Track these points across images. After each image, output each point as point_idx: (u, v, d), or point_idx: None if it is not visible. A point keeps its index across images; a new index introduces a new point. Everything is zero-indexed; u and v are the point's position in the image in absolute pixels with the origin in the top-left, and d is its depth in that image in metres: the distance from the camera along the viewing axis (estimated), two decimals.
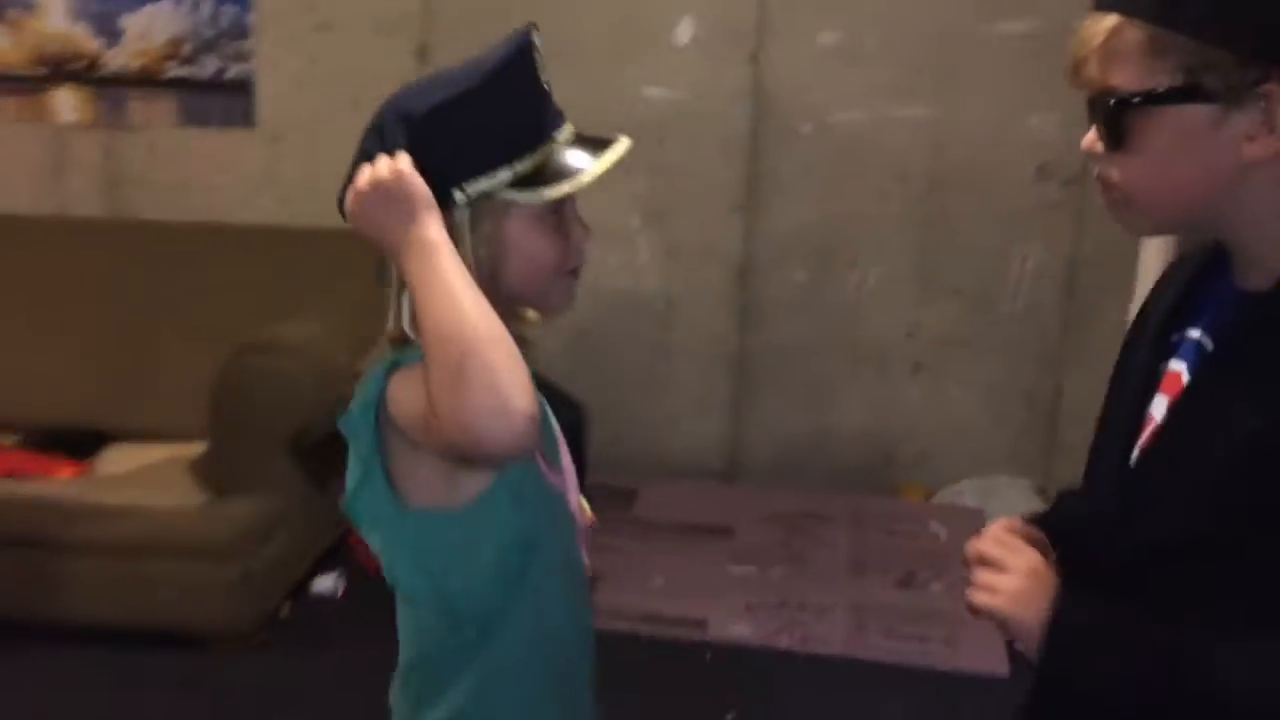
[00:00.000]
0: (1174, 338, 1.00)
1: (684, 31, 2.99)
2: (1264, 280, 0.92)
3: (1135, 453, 0.98)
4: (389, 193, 0.98)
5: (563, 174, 1.06)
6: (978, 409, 3.14)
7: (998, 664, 2.37)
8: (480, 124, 1.03)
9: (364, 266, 1.10)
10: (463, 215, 1.03)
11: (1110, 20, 0.90)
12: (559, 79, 1.11)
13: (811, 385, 3.17)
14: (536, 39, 1.08)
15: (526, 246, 1.06)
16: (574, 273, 1.12)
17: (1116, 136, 0.92)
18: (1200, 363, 0.96)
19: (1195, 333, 0.98)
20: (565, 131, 1.09)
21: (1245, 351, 0.92)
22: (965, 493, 3.11)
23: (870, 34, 2.95)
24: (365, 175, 1.00)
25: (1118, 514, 0.97)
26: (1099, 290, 2.99)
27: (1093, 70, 0.92)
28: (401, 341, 1.03)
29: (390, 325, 1.04)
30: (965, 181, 3.01)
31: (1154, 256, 2.83)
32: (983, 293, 3.07)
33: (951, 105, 2.97)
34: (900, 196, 3.01)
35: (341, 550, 2.74)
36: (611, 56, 3.00)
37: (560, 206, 1.08)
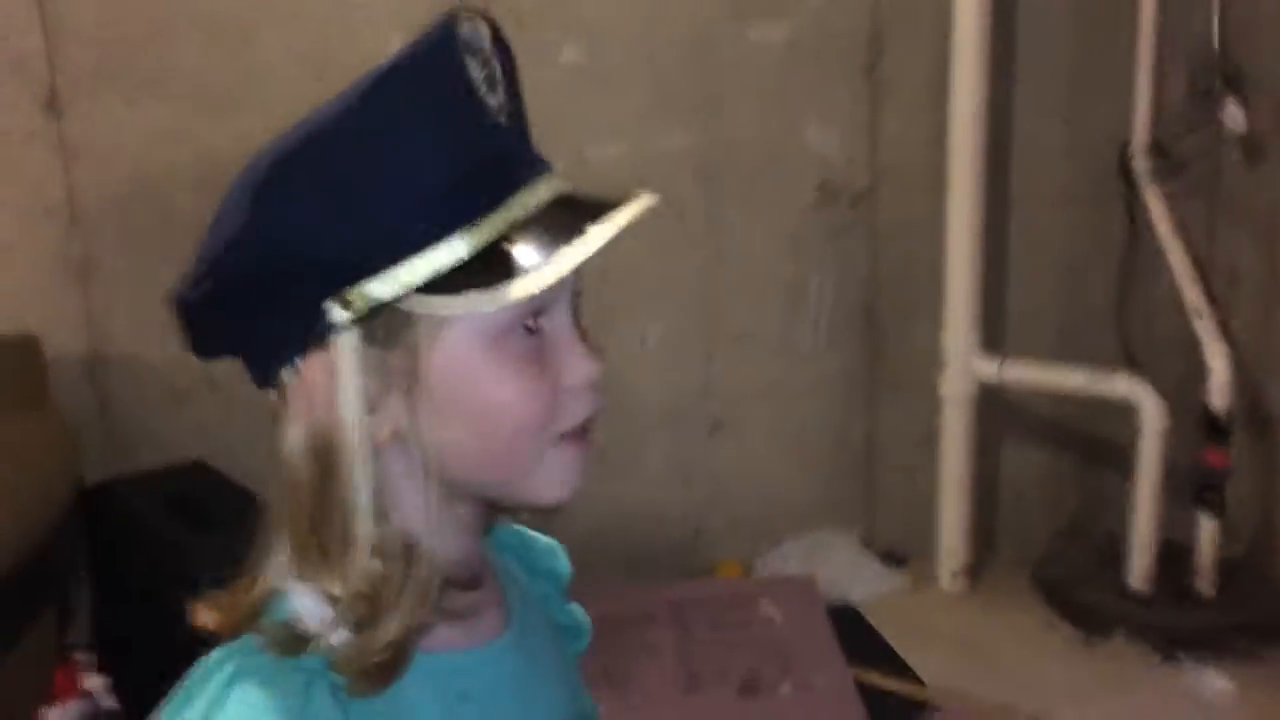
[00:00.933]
0: None
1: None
2: None
3: None
4: None
5: (528, 261, 0.63)
6: (787, 462, 2.79)
7: None
8: (372, 177, 0.63)
9: None
10: (347, 344, 0.63)
11: None
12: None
13: (599, 461, 2.71)
14: (470, 30, 0.65)
15: (473, 393, 0.65)
16: (577, 436, 0.69)
17: None
18: None
19: None
20: (540, 189, 0.66)
21: None
22: (789, 558, 2.74)
23: (616, 49, 2.53)
24: None
25: None
26: (903, 315, 2.70)
27: None
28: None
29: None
30: (743, 211, 2.64)
31: (961, 272, 2.55)
32: (778, 332, 2.71)
33: (716, 127, 2.59)
34: (676, 236, 2.60)
35: None
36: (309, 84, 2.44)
37: (538, 316, 0.66)
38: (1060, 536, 2.76)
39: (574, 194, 0.68)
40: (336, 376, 0.63)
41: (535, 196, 0.65)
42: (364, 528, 0.64)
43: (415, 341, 0.64)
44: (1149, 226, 2.55)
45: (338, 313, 0.63)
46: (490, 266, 0.63)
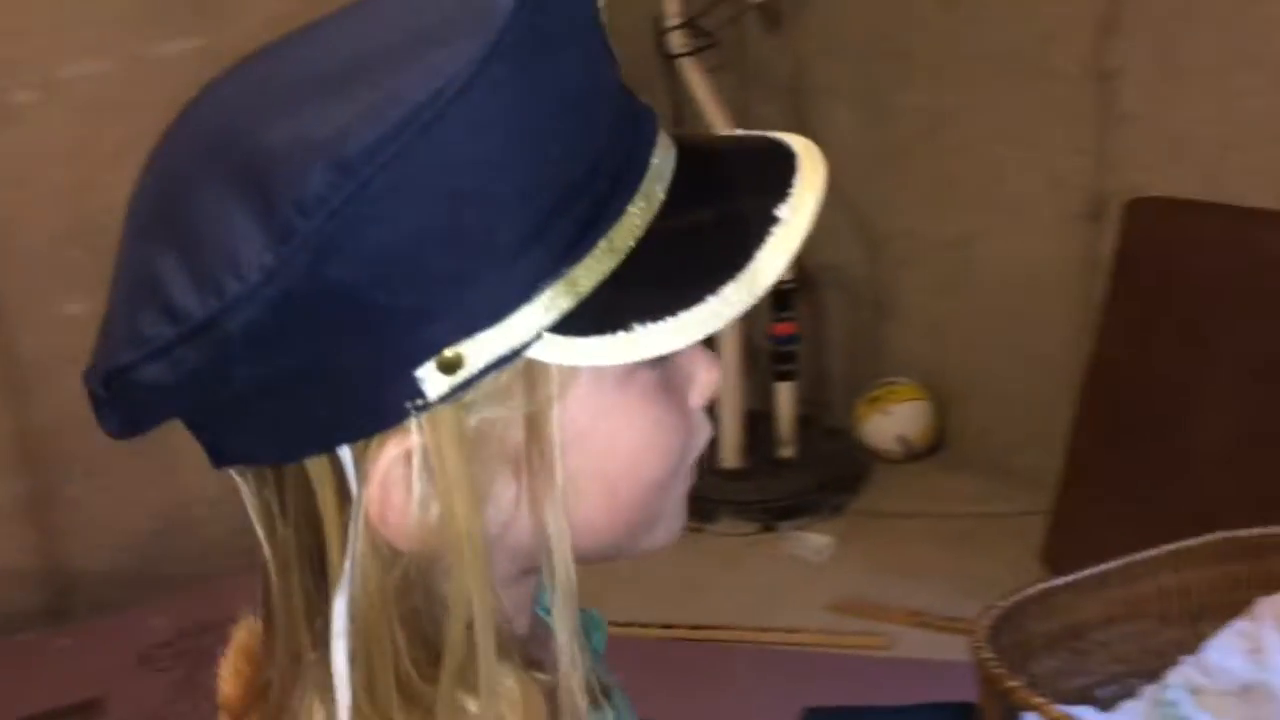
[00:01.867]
0: None
1: None
2: None
3: None
4: None
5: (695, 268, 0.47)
6: None
7: None
8: (493, 178, 0.43)
9: None
10: (448, 421, 0.45)
11: None
12: None
13: None
14: None
15: (607, 451, 0.49)
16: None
17: None
18: None
19: None
20: (657, 161, 0.48)
21: None
22: None
23: None
24: None
25: None
26: None
27: None
28: None
29: None
30: None
31: None
32: None
33: (222, 30, 2.18)
34: None
35: None
36: None
37: None
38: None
39: (693, 143, 0.49)
40: (431, 464, 0.45)
41: (666, 167, 0.47)
42: (489, 670, 0.46)
43: (536, 404, 0.46)
44: (692, 102, 2.53)
45: (435, 378, 0.43)
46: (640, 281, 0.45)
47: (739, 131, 0.52)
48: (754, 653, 2.12)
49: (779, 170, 0.48)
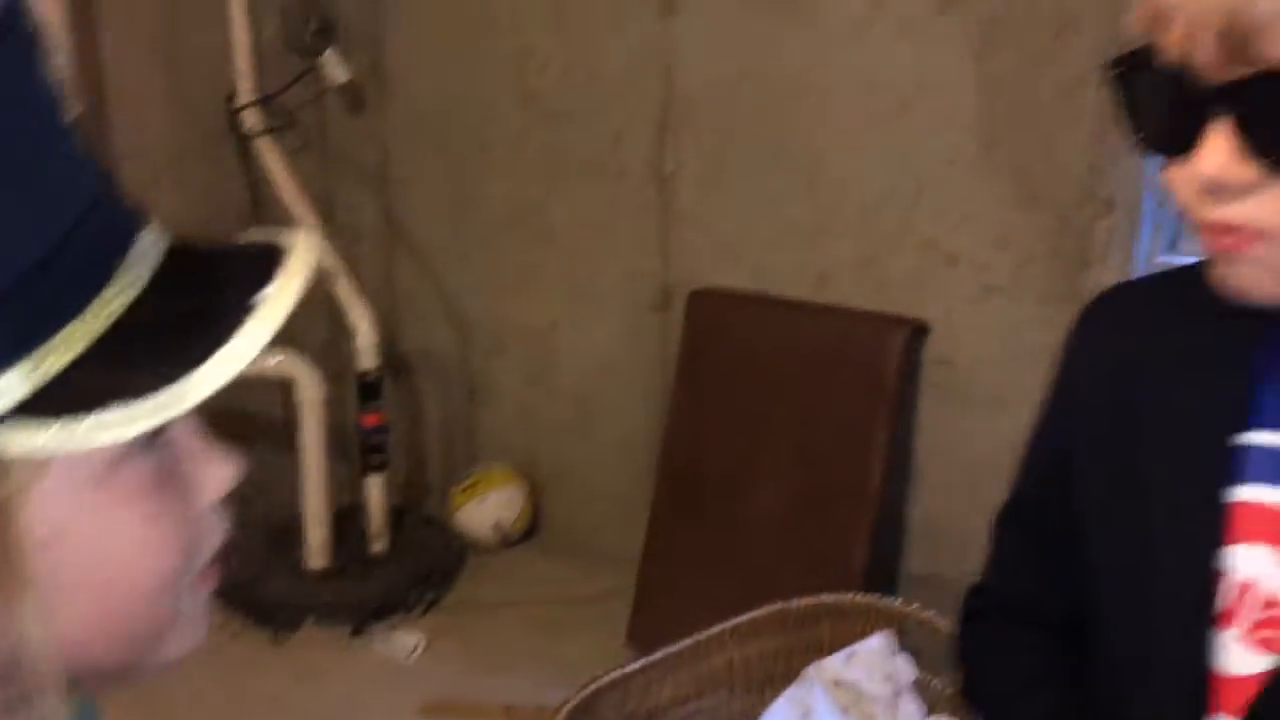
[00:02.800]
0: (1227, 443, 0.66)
1: None
2: None
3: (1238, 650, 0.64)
4: None
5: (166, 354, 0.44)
6: None
7: None
8: None
9: None
10: None
11: None
12: None
13: None
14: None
15: (90, 558, 0.45)
16: (212, 564, 0.51)
17: None
18: None
19: (1266, 436, 0.64)
20: (141, 249, 0.46)
21: None
22: None
23: None
24: None
25: None
26: None
27: (1265, 41, 0.52)
28: None
29: None
30: None
31: None
32: None
33: None
34: None
35: None
36: None
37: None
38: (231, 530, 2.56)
39: (186, 243, 0.48)
40: None
41: (140, 262, 0.45)
42: None
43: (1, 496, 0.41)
44: (270, 184, 2.41)
45: None
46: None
47: (252, 237, 0.49)
48: None
49: (269, 265, 0.47)
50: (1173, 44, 0.55)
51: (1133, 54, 0.58)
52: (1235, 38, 0.53)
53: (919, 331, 2.04)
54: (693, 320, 2.20)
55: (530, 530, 2.61)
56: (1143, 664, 0.68)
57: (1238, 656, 0.65)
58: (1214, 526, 0.65)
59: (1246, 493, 0.65)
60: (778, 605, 1.61)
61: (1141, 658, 0.68)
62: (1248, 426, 0.66)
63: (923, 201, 2.03)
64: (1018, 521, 0.83)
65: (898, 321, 2.04)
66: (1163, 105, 0.57)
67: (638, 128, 2.26)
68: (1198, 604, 0.65)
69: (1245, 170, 0.56)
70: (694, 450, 2.20)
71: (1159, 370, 0.71)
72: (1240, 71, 0.54)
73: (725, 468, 2.15)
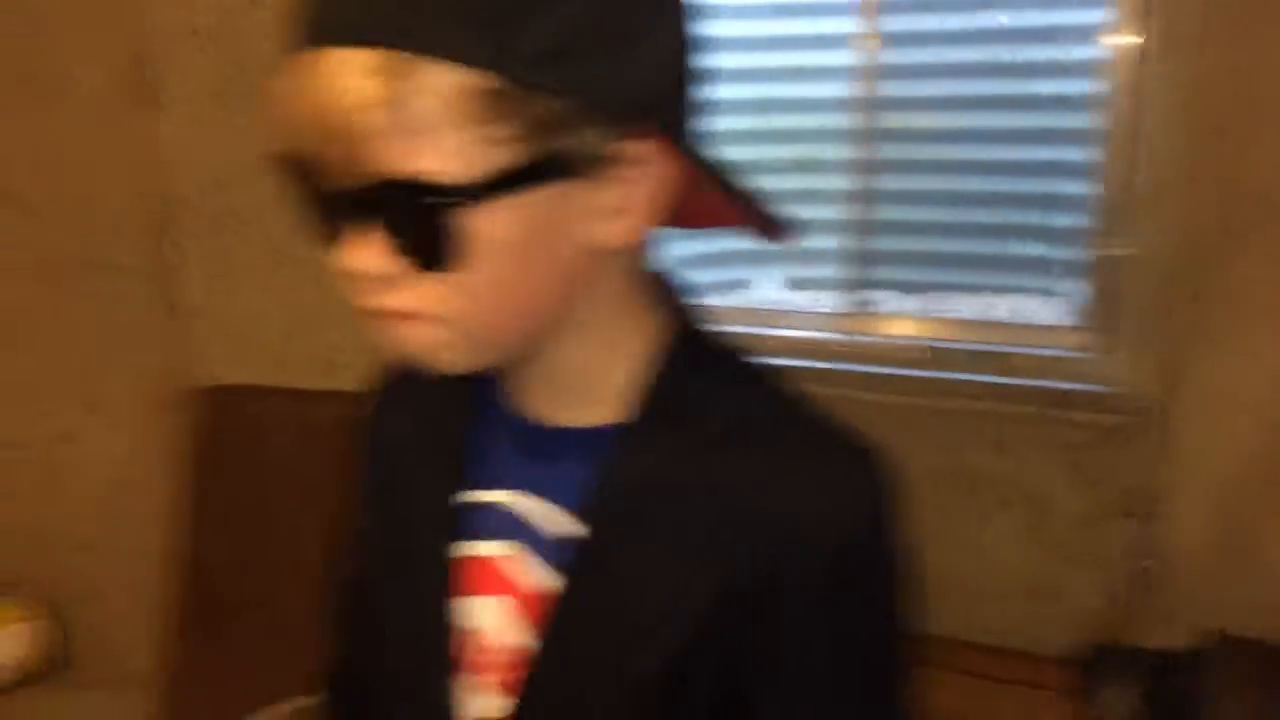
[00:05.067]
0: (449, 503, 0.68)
1: None
2: (592, 412, 0.65)
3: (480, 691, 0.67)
4: None
5: None
6: None
7: None
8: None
9: None
10: None
11: (370, 61, 0.51)
12: None
13: None
14: None
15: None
16: None
17: (437, 251, 0.55)
18: (545, 540, 0.66)
19: (495, 495, 0.67)
20: None
21: (627, 505, 0.63)
22: None
23: None
24: None
25: None
26: None
27: (380, 150, 0.52)
28: None
29: None
30: None
31: None
32: None
33: None
34: None
35: None
36: None
37: None
38: None
39: None
40: None
41: None
42: None
43: None
44: None
45: None
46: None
47: None
48: None
49: None
50: (304, 146, 0.55)
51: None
52: (348, 147, 0.53)
53: None
54: (207, 419, 2.10)
55: (59, 664, 2.38)
56: (391, 716, 0.70)
57: (476, 702, 0.67)
58: (442, 581, 0.68)
59: (470, 548, 0.69)
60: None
61: (392, 710, 0.70)
62: (468, 486, 0.69)
63: None
64: (346, 597, 0.84)
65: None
66: (312, 201, 0.57)
67: (134, 224, 2.15)
68: (435, 655, 0.68)
69: (393, 264, 0.56)
70: (223, 557, 2.09)
71: (399, 443, 0.74)
72: (365, 179, 0.54)
73: (260, 572, 2.05)
